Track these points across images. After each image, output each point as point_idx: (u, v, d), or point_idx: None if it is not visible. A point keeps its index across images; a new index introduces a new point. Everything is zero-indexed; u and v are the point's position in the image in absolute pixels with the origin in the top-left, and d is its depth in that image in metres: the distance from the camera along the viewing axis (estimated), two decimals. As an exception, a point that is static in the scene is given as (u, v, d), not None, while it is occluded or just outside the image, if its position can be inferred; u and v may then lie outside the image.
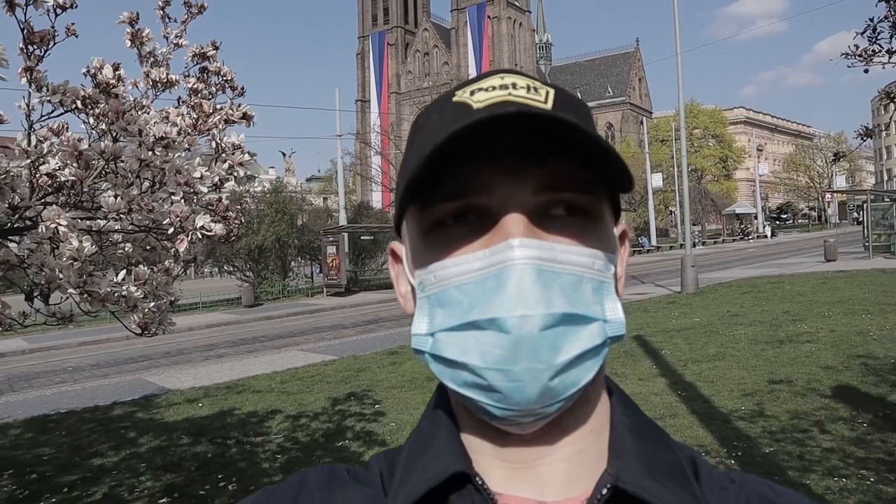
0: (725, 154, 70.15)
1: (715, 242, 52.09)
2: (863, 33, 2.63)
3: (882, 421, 5.57)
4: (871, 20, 2.59)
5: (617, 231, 0.59)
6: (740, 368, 7.94)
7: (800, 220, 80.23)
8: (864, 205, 28.33)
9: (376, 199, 57.61)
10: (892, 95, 2.47)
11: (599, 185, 0.54)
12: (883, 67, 2.55)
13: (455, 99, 0.53)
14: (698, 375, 7.82)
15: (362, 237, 27.55)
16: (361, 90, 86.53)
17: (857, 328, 10.09)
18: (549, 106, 0.51)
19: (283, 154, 69.99)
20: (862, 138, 2.78)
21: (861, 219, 31.95)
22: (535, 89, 0.53)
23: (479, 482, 0.53)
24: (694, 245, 27.70)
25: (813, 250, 30.30)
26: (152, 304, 3.06)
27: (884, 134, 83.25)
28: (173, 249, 2.52)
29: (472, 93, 0.53)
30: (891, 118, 2.60)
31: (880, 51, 2.56)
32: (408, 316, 0.58)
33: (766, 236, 55.70)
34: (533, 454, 0.54)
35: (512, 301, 0.48)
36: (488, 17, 76.50)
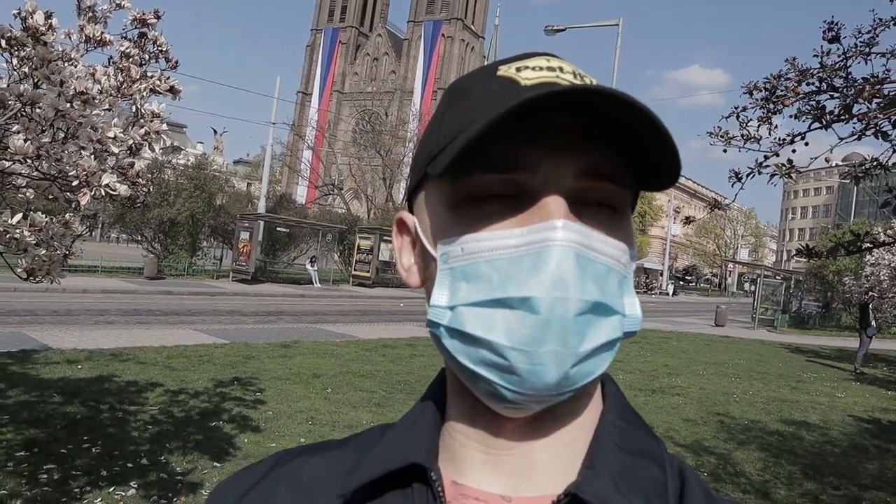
0: (644, 210, 73.06)
1: (620, 292, 53.77)
2: (727, 118, 3.04)
3: (721, 472, 6.09)
4: (736, 108, 3.01)
5: None
6: (611, 409, 8.37)
7: (702, 284, 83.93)
8: (758, 279, 30.08)
9: (300, 194, 57.00)
10: (739, 175, 2.86)
11: (631, 178, 0.53)
12: (739, 150, 2.95)
13: (500, 73, 0.52)
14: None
15: (278, 228, 27.31)
16: (305, 82, 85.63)
17: (724, 389, 10.82)
18: None
19: (215, 131, 68.59)
20: (711, 209, 3.19)
21: (753, 291, 33.81)
22: (582, 76, 0.52)
23: (433, 477, 0.52)
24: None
25: (707, 313, 31.76)
26: (44, 251, 3.11)
27: (789, 217, 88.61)
28: (74, 203, 2.60)
29: (519, 69, 0.51)
30: (735, 195, 2.98)
31: (735, 136, 2.96)
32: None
33: (667, 293, 58.08)
34: (519, 440, 0.53)
35: (549, 282, 0.47)
36: (442, 35, 77.26)
